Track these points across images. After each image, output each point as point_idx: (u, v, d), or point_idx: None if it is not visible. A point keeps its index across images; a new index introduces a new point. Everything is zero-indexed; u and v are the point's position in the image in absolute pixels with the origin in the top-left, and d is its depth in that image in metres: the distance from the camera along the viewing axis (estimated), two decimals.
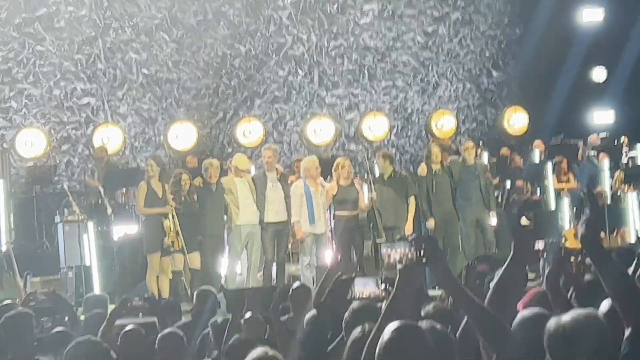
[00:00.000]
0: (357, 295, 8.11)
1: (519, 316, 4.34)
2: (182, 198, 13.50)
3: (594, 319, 3.86)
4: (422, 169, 14.69)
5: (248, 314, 7.16)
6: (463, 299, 4.12)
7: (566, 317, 3.86)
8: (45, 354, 6.45)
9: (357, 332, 4.86)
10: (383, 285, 6.28)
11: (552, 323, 3.88)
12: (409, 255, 4.02)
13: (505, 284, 4.29)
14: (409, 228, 14.03)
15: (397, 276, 4.11)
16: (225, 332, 6.85)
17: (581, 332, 3.77)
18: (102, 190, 15.69)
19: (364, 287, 8.19)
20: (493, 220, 14.75)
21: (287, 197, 13.95)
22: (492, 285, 4.40)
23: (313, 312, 5.62)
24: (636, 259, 5.67)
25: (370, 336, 4.06)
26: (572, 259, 6.09)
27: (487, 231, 14.61)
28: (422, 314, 5.60)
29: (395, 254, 4.06)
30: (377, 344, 3.74)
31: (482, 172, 14.76)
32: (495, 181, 16.42)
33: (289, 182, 14.33)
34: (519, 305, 4.97)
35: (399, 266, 4.06)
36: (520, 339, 4.12)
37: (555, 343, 3.80)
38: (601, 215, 4.02)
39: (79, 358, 4.92)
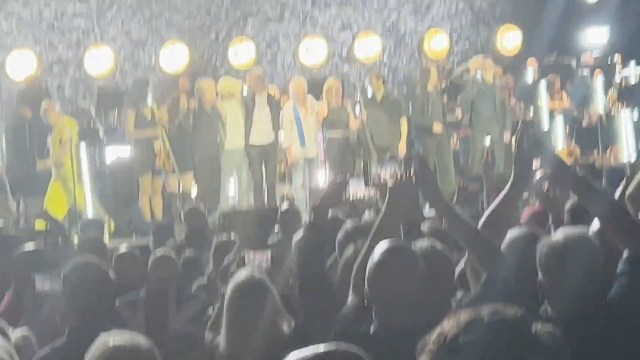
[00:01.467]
0: (352, 197, 8.19)
1: (508, 236, 4.34)
2: (177, 121, 13.44)
3: (585, 238, 3.88)
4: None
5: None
6: (453, 218, 4.12)
7: (558, 237, 3.87)
8: (41, 272, 6.47)
9: (349, 250, 4.87)
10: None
11: (544, 243, 3.89)
12: (399, 175, 4.01)
13: (502, 208, 4.26)
14: (402, 148, 14.05)
15: (387, 195, 4.10)
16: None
17: (574, 251, 3.78)
18: (93, 112, 15.60)
19: (358, 188, 8.26)
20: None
21: (274, 119, 13.90)
22: (487, 209, 4.37)
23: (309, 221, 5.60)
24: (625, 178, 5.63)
25: (360, 256, 4.05)
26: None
27: (495, 150, 14.68)
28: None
29: (385, 173, 4.04)
30: (366, 264, 3.74)
31: (498, 90, 14.78)
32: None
33: (280, 104, 14.28)
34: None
35: (389, 183, 4.05)
36: (510, 258, 4.13)
37: (548, 262, 3.81)
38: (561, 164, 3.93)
39: (78, 278, 4.90)
